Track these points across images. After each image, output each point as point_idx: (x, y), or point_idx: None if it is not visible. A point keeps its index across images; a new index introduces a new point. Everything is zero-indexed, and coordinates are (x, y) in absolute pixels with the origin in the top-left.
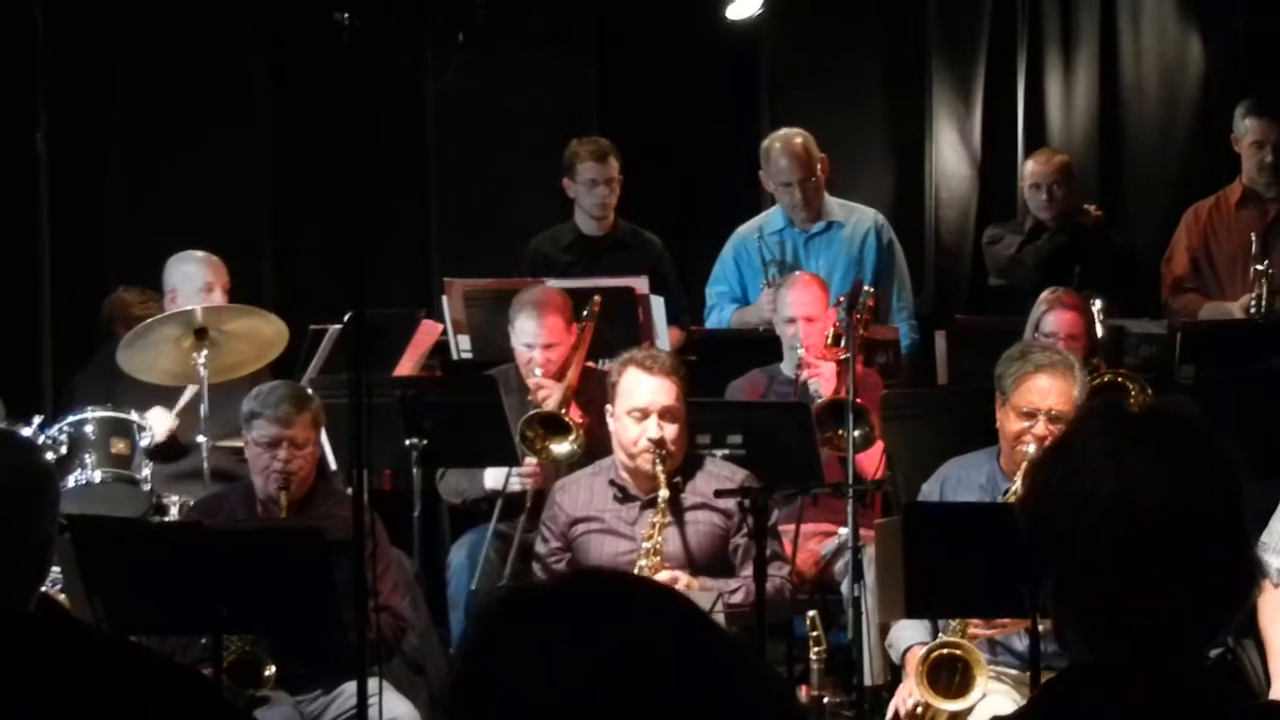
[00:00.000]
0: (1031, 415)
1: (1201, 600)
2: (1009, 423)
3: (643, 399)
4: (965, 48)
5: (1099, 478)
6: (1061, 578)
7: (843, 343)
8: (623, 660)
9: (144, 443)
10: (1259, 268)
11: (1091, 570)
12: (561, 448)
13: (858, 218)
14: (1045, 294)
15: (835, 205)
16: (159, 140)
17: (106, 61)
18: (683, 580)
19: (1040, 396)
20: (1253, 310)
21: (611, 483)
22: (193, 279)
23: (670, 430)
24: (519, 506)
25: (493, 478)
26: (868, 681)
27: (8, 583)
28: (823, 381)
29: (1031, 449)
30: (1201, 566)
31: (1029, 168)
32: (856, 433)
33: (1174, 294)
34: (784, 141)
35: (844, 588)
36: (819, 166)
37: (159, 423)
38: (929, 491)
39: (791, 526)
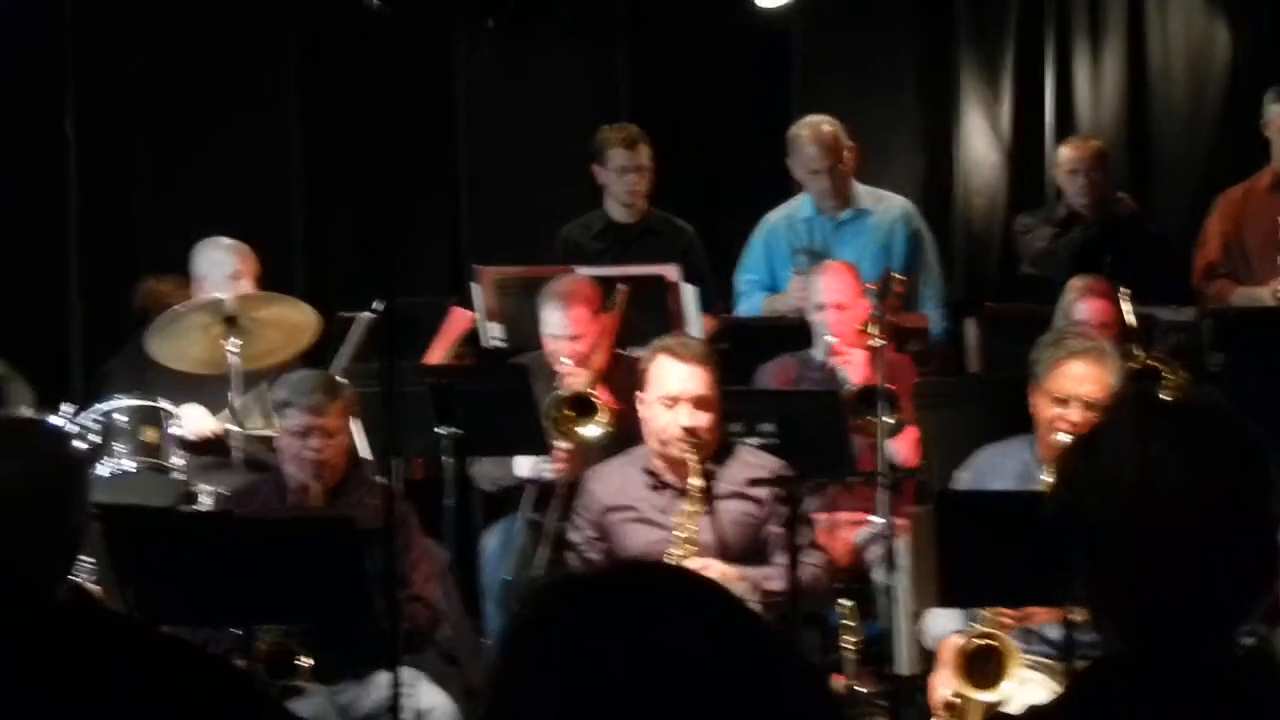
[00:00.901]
0: (1065, 401)
1: (1225, 587)
2: (1043, 409)
3: (674, 386)
4: (994, 35)
5: (1122, 465)
6: (1089, 566)
7: (871, 329)
8: (665, 654)
9: (174, 431)
10: None
11: (1115, 558)
12: (589, 430)
13: (886, 205)
14: (1074, 281)
15: (864, 193)
16: (188, 127)
17: (135, 48)
18: (715, 568)
19: (1074, 383)
20: None
21: (646, 471)
22: (221, 266)
23: (702, 418)
24: (551, 494)
25: (523, 465)
26: (901, 670)
27: (39, 573)
28: (852, 369)
29: (1065, 437)
30: (1224, 554)
31: (1064, 154)
32: (888, 419)
33: (1206, 280)
34: (811, 129)
35: (876, 576)
36: (846, 154)
37: (201, 423)
38: (962, 479)
39: (826, 515)
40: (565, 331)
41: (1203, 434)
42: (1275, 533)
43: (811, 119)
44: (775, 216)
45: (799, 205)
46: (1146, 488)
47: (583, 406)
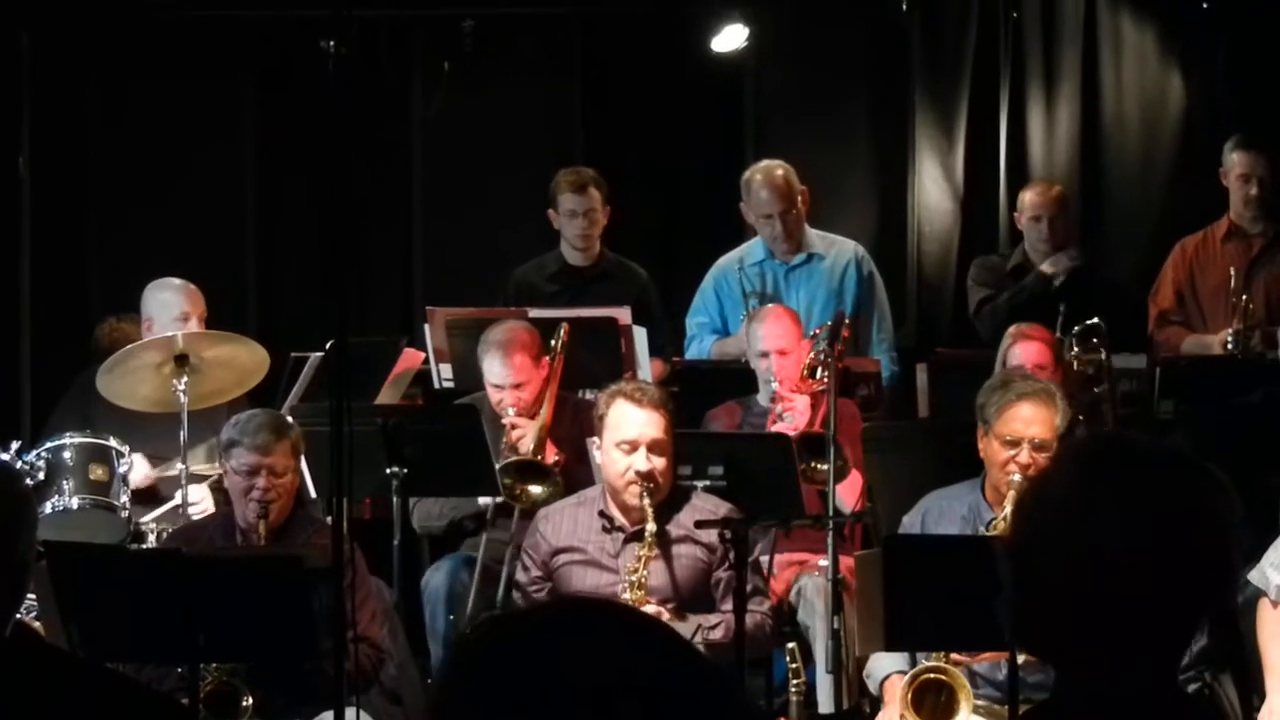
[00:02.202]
0: (1015, 444)
1: (1156, 634)
2: (994, 451)
3: (631, 431)
4: (948, 81)
5: (1063, 510)
6: (1029, 607)
7: (819, 374)
8: (606, 690)
9: (123, 470)
10: (1235, 301)
11: (1055, 603)
12: (539, 489)
13: (838, 249)
14: (1012, 328)
15: (816, 237)
16: (143, 166)
17: (92, 86)
18: (664, 616)
19: (1024, 425)
20: (1229, 345)
21: (599, 514)
22: (169, 308)
23: (658, 463)
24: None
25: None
26: (823, 709)
27: None
28: (796, 414)
29: (1017, 478)
30: (1157, 604)
31: (1027, 199)
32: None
33: (1159, 327)
34: (765, 173)
35: (801, 615)
36: (800, 199)
37: (137, 472)
38: (910, 524)
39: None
40: (508, 380)
41: (1146, 486)
42: (1225, 584)
43: (765, 163)
44: (726, 260)
45: (751, 249)
46: (1083, 533)
47: (532, 469)
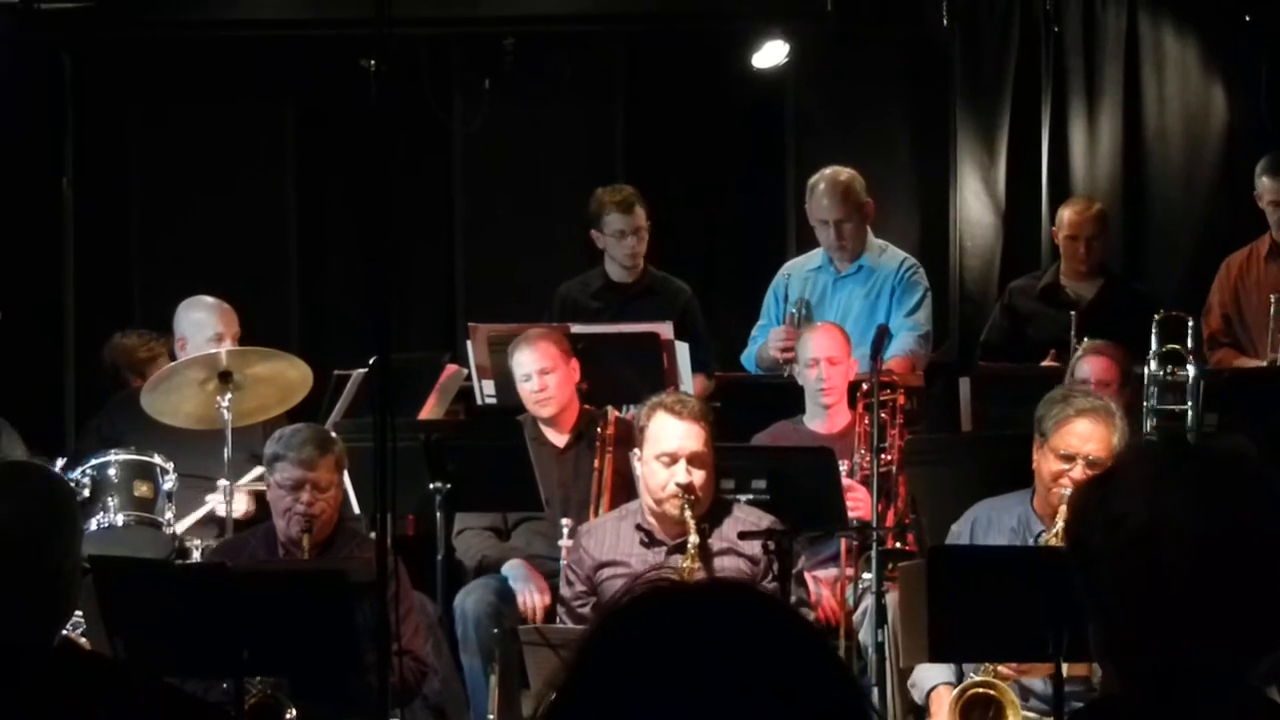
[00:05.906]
0: (1070, 459)
1: (1225, 637)
2: (1046, 464)
3: (671, 444)
4: (990, 96)
5: (1133, 505)
6: (1090, 602)
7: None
8: (766, 673)
9: (167, 486)
10: (1275, 329)
11: (1114, 597)
12: None
13: (886, 260)
14: (1085, 342)
15: (876, 249)
16: (185, 185)
17: (134, 107)
18: None
19: (1080, 440)
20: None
21: (638, 527)
22: (203, 328)
23: (698, 475)
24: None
25: (514, 574)
26: None
27: (25, 610)
28: (861, 507)
29: (1068, 493)
30: (1226, 605)
31: (1066, 217)
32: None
33: (1210, 348)
34: (829, 179)
35: (863, 635)
36: (863, 210)
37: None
38: (958, 532)
39: (823, 572)
40: (535, 366)
41: (1220, 483)
42: None
43: (832, 169)
44: (791, 264)
45: (813, 255)
46: (1154, 529)
47: None
